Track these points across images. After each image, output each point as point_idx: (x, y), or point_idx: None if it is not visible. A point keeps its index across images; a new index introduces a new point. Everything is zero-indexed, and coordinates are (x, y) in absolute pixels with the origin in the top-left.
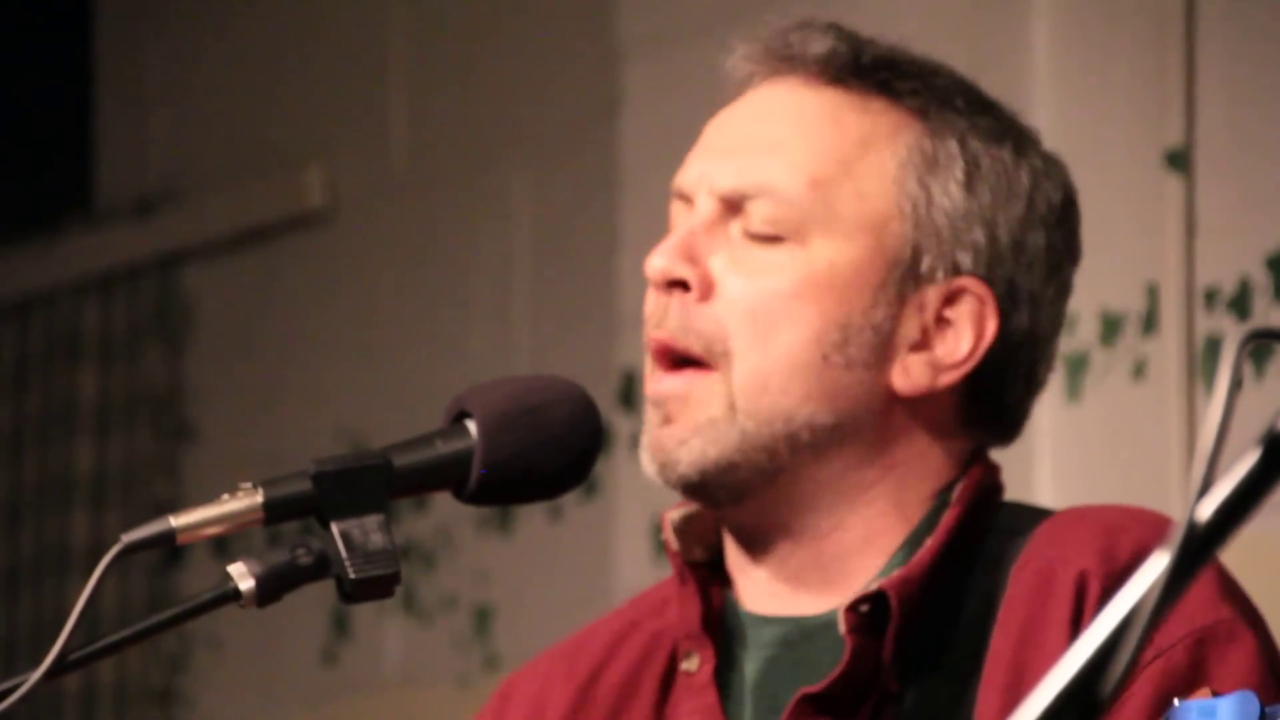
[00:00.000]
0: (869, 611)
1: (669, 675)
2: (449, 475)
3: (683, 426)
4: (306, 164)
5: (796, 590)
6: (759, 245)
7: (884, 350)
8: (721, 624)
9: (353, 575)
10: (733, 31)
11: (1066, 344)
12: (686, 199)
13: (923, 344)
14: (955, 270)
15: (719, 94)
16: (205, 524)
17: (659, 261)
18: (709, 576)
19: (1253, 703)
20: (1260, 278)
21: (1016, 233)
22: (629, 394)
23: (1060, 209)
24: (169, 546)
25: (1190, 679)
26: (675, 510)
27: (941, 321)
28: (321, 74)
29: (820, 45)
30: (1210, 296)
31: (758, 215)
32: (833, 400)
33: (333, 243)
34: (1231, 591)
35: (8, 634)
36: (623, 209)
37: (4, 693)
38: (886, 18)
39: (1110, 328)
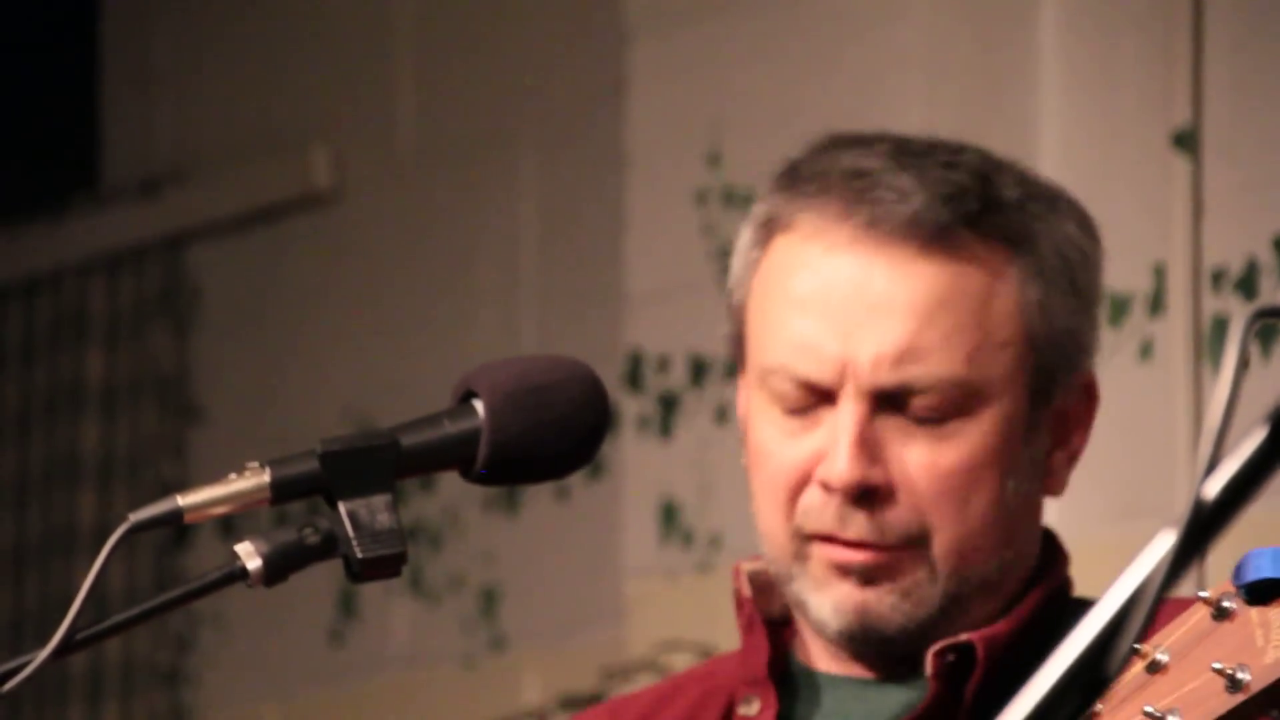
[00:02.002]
0: (955, 662)
1: None
2: (456, 455)
3: (889, 590)
4: (312, 144)
5: (889, 662)
6: (927, 428)
7: (1041, 469)
8: (787, 676)
9: (360, 555)
10: (737, 14)
11: None
12: (819, 389)
13: (1056, 443)
14: (1075, 371)
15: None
16: (212, 503)
17: (850, 471)
18: (774, 630)
19: None
20: (1267, 258)
21: (1097, 309)
22: (635, 375)
23: (1102, 276)
24: (176, 526)
25: None
26: (749, 563)
27: (1063, 418)
28: (327, 54)
29: (919, 203)
30: (1217, 277)
31: (922, 404)
32: (1014, 534)
33: (339, 223)
34: None
35: (15, 613)
36: (629, 190)
37: (11, 672)
38: (892, 3)
39: (1117, 308)
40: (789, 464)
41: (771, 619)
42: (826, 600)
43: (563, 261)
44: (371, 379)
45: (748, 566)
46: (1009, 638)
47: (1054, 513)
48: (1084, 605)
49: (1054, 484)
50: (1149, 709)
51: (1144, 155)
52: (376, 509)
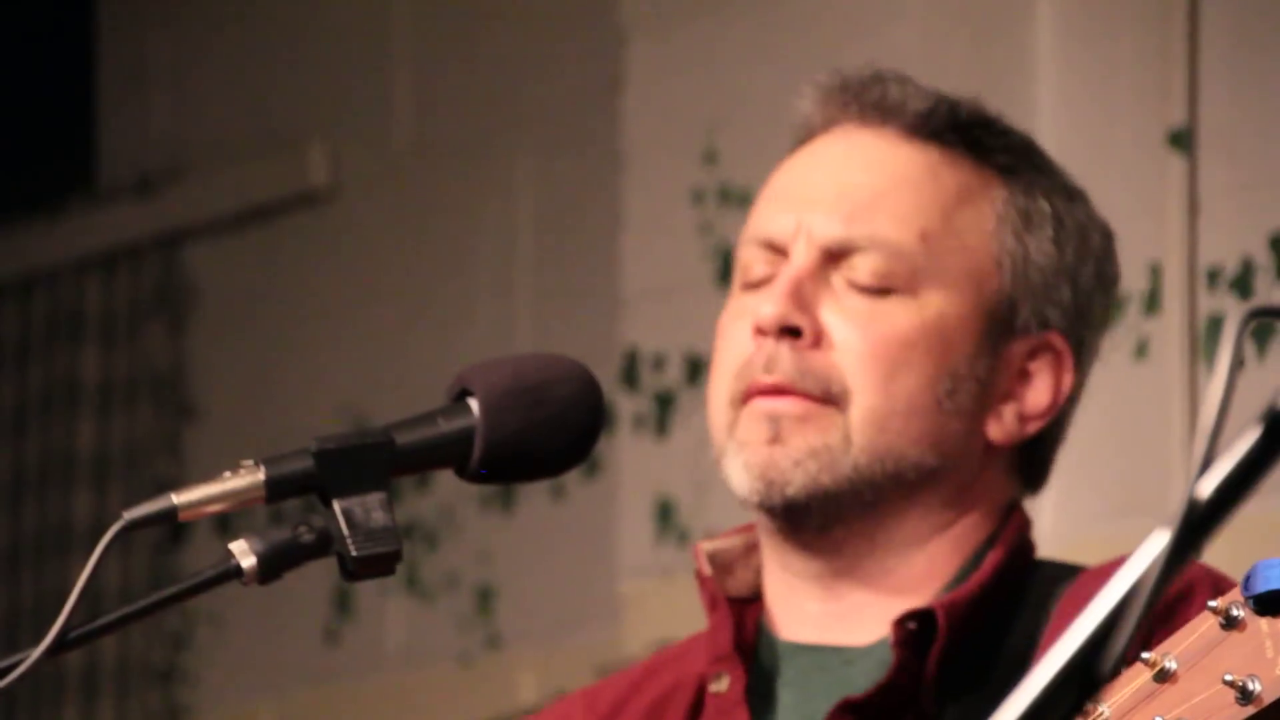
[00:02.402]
0: (916, 630)
1: (698, 700)
2: (451, 453)
3: (796, 448)
4: (309, 142)
5: (844, 621)
6: (867, 295)
7: (983, 400)
8: (753, 651)
9: (355, 553)
10: (733, 13)
11: None
12: (777, 248)
13: (1011, 394)
14: (1044, 324)
15: (725, 72)
16: (207, 501)
17: (771, 309)
18: (740, 608)
19: None
20: (1262, 257)
21: (1090, 291)
22: (631, 373)
23: (1115, 272)
24: (171, 524)
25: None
26: (709, 542)
27: (1023, 373)
28: (324, 52)
29: (919, 102)
30: (1212, 276)
31: (865, 267)
32: (939, 445)
33: (335, 221)
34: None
35: (10, 612)
36: (625, 188)
37: (6, 670)
38: (889, 3)
39: (1113, 306)
40: (738, 332)
41: (738, 597)
42: (740, 463)
43: (558, 260)
44: (367, 377)
45: (708, 546)
46: (970, 604)
47: (1050, 510)
48: (1045, 567)
49: (997, 429)
50: (1159, 719)
51: (1139, 154)
52: (371, 507)
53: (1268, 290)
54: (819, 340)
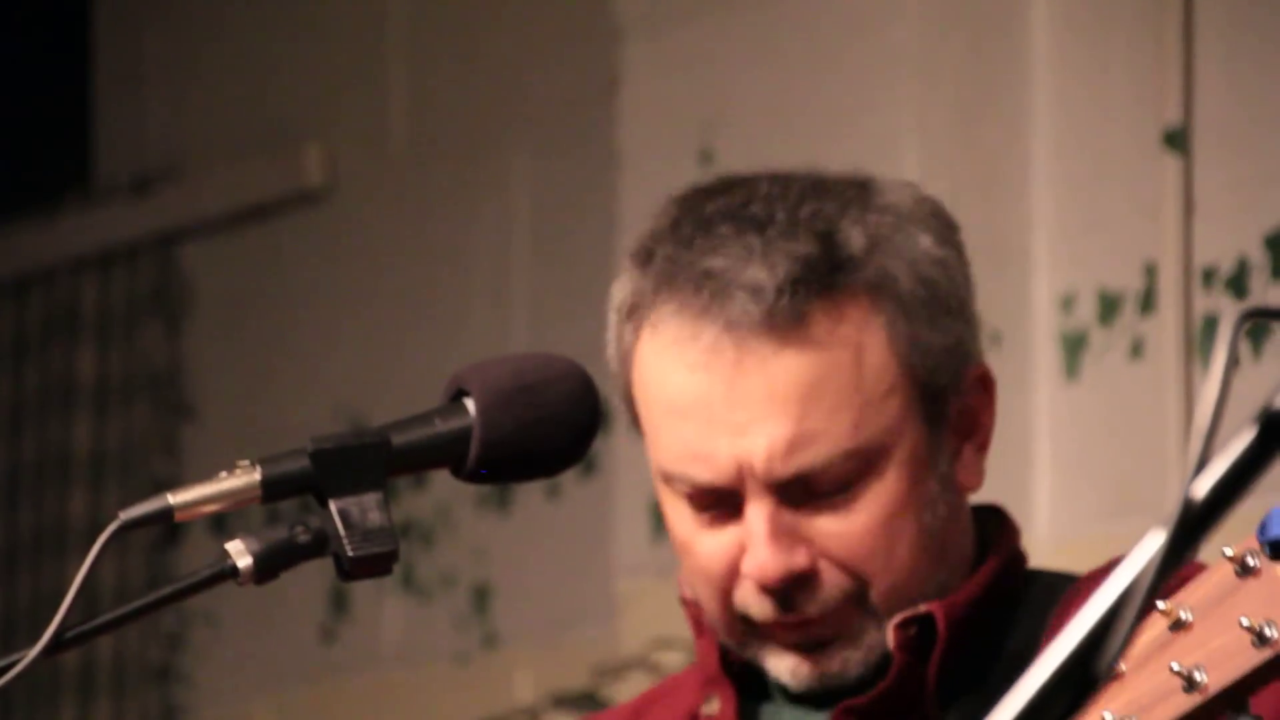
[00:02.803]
0: (916, 633)
1: None
2: (447, 453)
3: (840, 648)
4: (305, 142)
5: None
6: (836, 499)
7: (952, 477)
8: (744, 670)
9: (351, 553)
10: (730, 12)
11: (1065, 323)
12: (721, 491)
13: (966, 439)
14: (961, 374)
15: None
16: (203, 501)
17: (774, 568)
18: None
19: None
20: (1258, 257)
21: (971, 302)
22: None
23: (959, 236)
24: (167, 524)
25: None
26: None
27: (964, 415)
28: (320, 52)
29: (762, 302)
30: (1208, 276)
31: (825, 481)
32: (945, 550)
33: (331, 221)
34: None
35: (6, 611)
36: (621, 188)
37: (3, 669)
38: (885, 3)
39: (1108, 307)
40: (714, 558)
41: (730, 646)
42: (783, 667)
43: (555, 259)
44: (363, 377)
45: None
46: (967, 606)
47: (1045, 510)
48: (1039, 577)
49: (969, 478)
50: (1175, 665)
51: (1135, 154)
52: (367, 507)
53: (1263, 290)
54: (817, 567)
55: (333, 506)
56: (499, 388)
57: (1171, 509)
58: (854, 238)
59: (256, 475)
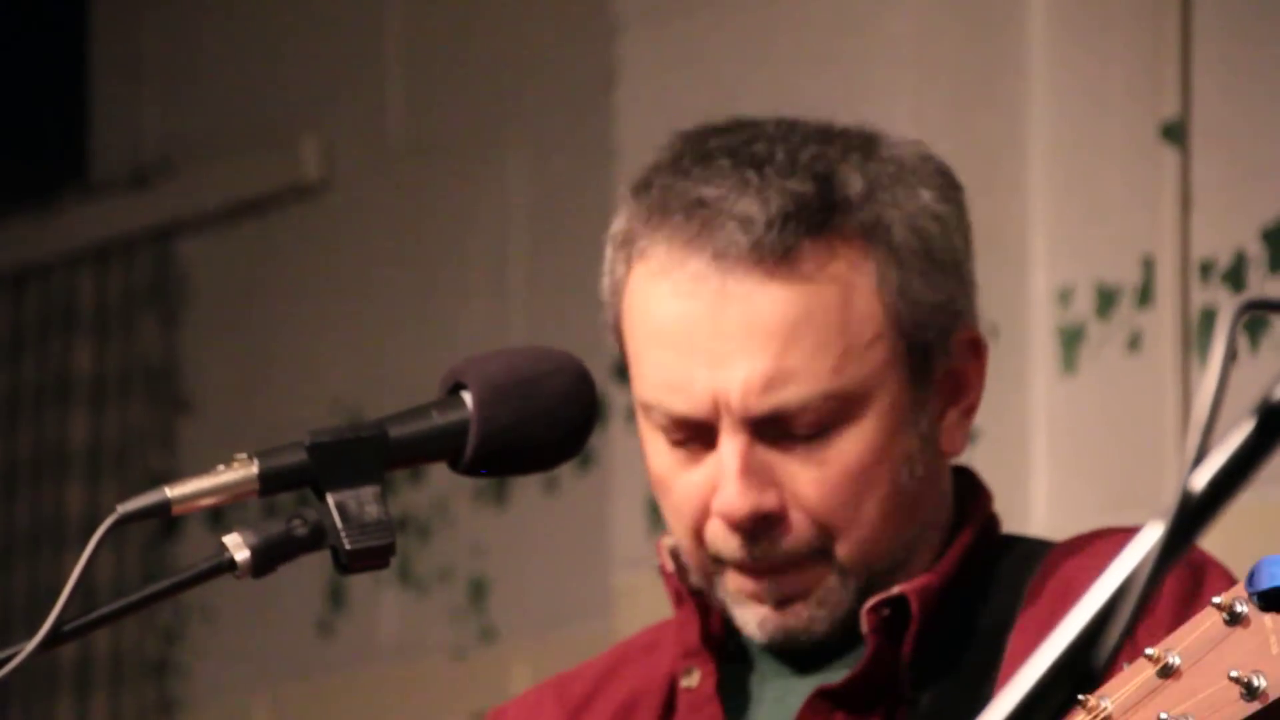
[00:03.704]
0: (889, 615)
1: (670, 696)
2: (445, 446)
3: (804, 606)
4: (302, 136)
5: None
6: (810, 442)
7: (934, 437)
8: (723, 644)
9: (348, 546)
10: (727, 7)
11: (1062, 316)
12: (697, 424)
13: (950, 403)
14: (952, 330)
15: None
16: (200, 495)
17: (742, 505)
18: (707, 599)
19: None
20: (1255, 250)
21: (965, 258)
22: (623, 367)
23: (963, 198)
24: (164, 517)
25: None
26: (671, 537)
27: (951, 378)
28: (318, 46)
29: (753, 233)
30: (1205, 269)
31: (800, 422)
32: (918, 511)
33: (328, 215)
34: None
35: (3, 605)
36: (619, 183)
37: (0, 663)
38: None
39: (1106, 300)
40: (687, 496)
41: (702, 588)
42: (749, 618)
43: (552, 254)
44: (360, 371)
45: (669, 541)
46: (941, 587)
47: (1043, 503)
48: (1012, 546)
49: (950, 444)
50: (1164, 715)
51: (1132, 147)
52: (365, 500)
53: (1260, 283)
54: (786, 510)
55: (330, 500)
56: (496, 381)
57: (1169, 501)
58: (852, 182)
59: (254, 469)
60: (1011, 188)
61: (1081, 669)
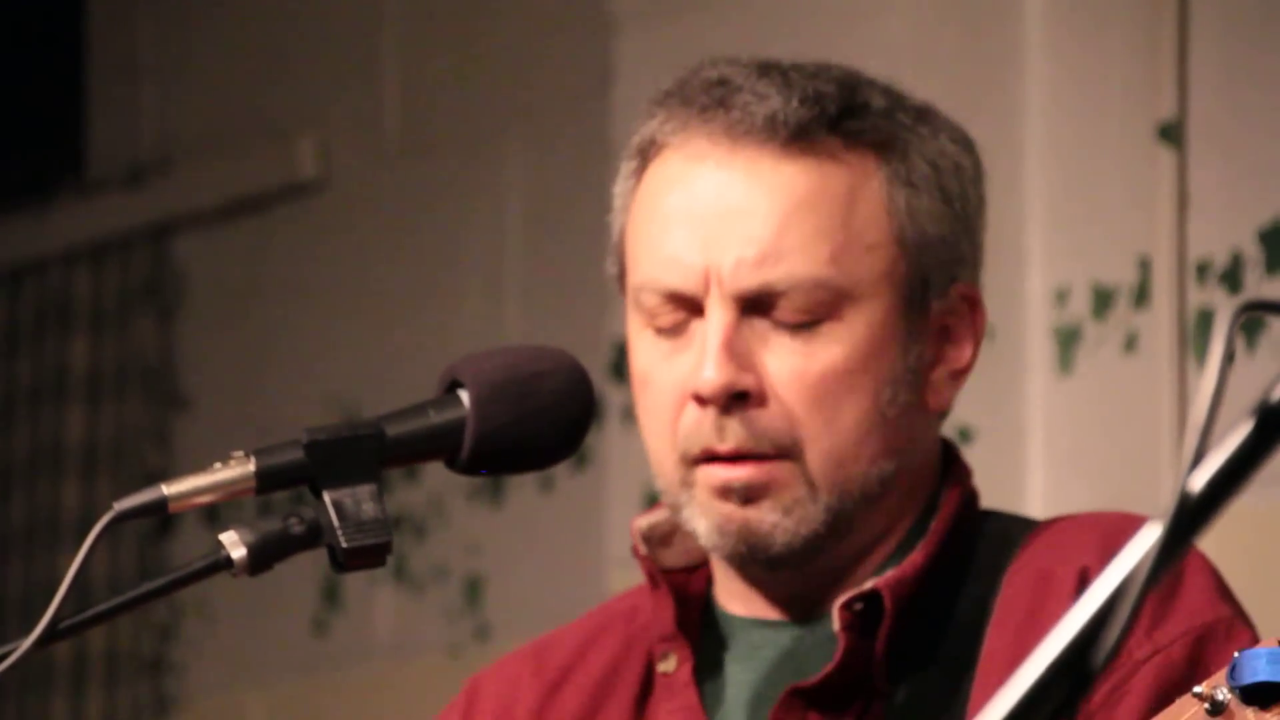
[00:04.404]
0: (863, 610)
1: (648, 677)
2: (441, 445)
3: (770, 509)
4: (299, 134)
5: (795, 599)
6: (795, 333)
7: (919, 382)
8: (700, 625)
9: (345, 544)
10: (724, 5)
11: (1058, 316)
12: (685, 299)
13: (939, 359)
14: (952, 279)
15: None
16: (197, 492)
17: (713, 378)
18: (684, 579)
19: None
20: (1252, 251)
21: (977, 221)
22: (621, 365)
23: (982, 173)
24: (160, 515)
25: (1189, 675)
26: (644, 518)
27: (944, 332)
28: (315, 44)
29: (780, 105)
30: (1202, 269)
31: (787, 307)
32: (893, 450)
33: (325, 213)
34: (1227, 592)
35: None
36: (615, 181)
37: None
38: None
39: (1102, 300)
40: (668, 386)
41: (678, 567)
42: (711, 522)
43: (548, 252)
44: (357, 369)
45: (643, 521)
46: (916, 579)
47: (1039, 503)
48: (992, 522)
49: (936, 399)
50: None
51: (1129, 147)
52: (361, 498)
53: (1256, 284)
54: (762, 395)
55: (327, 498)
56: (493, 380)
57: (1167, 502)
58: (876, 99)
59: (251, 466)
60: (1008, 188)
61: (1079, 670)
